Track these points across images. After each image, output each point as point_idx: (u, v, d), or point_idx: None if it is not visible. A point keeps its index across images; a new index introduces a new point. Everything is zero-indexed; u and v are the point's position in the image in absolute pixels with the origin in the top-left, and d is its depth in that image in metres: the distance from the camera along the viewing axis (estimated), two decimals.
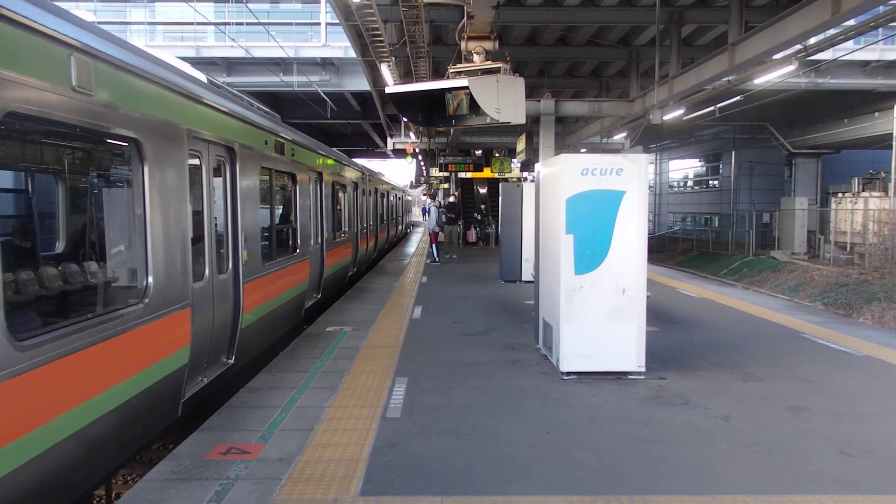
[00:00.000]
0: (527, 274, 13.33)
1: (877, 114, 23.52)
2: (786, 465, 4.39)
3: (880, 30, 15.23)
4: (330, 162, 12.10)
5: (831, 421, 5.27)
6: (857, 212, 21.53)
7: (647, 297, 6.68)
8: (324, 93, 21.70)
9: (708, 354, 7.49)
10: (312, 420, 5.23)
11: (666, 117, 16.17)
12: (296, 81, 21.53)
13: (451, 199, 23.64)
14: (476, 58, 9.21)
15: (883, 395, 5.95)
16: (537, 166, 8.09)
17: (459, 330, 8.91)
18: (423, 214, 38.58)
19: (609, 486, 4.04)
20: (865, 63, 20.59)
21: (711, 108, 21.00)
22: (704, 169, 39.19)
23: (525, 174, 28.51)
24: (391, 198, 26.72)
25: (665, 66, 14.19)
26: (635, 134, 23.57)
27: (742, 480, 4.14)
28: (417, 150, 28.42)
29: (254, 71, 21.80)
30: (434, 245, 19.31)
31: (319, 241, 10.92)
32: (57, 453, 3.60)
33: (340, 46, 21.55)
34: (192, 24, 22.62)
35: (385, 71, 13.09)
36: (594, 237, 6.36)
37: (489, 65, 9.09)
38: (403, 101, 9.53)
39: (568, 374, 6.49)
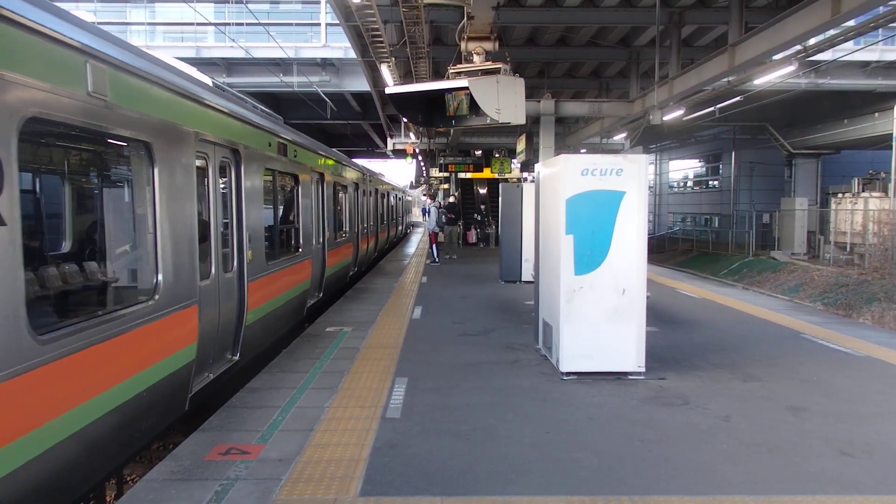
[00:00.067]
0: (527, 274, 13.34)
1: (877, 114, 23.53)
2: (786, 466, 4.39)
3: (880, 30, 15.22)
4: (331, 163, 12.17)
5: (831, 421, 5.27)
6: (856, 212, 21.54)
7: (647, 297, 6.68)
8: (324, 93, 21.71)
9: (708, 355, 7.49)
10: (312, 420, 5.23)
11: (666, 118, 16.18)
12: (296, 82, 21.54)
13: (451, 199, 23.65)
14: (476, 58, 9.22)
15: (883, 396, 5.96)
16: (537, 167, 8.09)
17: (459, 330, 8.91)
18: (423, 215, 38.58)
19: (609, 487, 4.04)
20: (865, 64, 20.60)
21: (711, 108, 21.01)
22: (704, 169, 39.20)
23: (525, 174, 28.50)
24: (391, 198, 26.75)
25: (665, 67, 14.19)
26: (635, 134, 23.57)
27: (742, 480, 4.14)
28: (417, 150, 28.42)
29: (254, 71, 21.81)
30: (434, 245, 19.31)
31: (321, 240, 11.02)
32: (73, 443, 3.75)
33: (340, 47, 21.55)
34: (192, 24, 22.63)
35: (385, 71, 13.10)
36: (594, 237, 6.36)
37: (489, 65, 9.10)
38: (403, 102, 9.53)
39: (568, 374, 6.49)
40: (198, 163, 5.62)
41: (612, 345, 6.44)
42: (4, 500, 3.21)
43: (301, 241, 9.48)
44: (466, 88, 8.64)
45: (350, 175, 14.61)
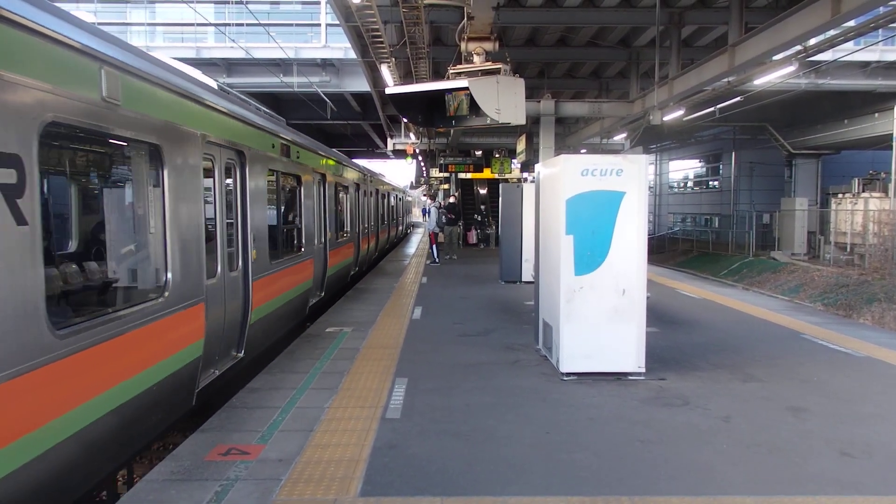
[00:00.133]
0: (527, 275, 13.33)
1: (877, 114, 23.53)
2: (786, 466, 4.39)
3: (880, 31, 15.21)
4: (332, 163, 12.26)
5: (831, 422, 5.27)
6: (857, 212, 21.53)
7: (648, 297, 6.68)
8: (324, 94, 21.71)
9: (708, 355, 7.49)
10: (312, 421, 5.23)
11: (666, 118, 16.18)
12: (296, 82, 21.54)
13: (451, 199, 23.65)
14: (476, 59, 9.21)
15: (883, 396, 5.95)
16: (537, 167, 8.09)
17: (459, 331, 8.91)
18: (423, 215, 38.55)
19: (609, 487, 4.04)
20: (865, 64, 20.60)
21: (711, 108, 21.01)
22: (704, 170, 39.19)
23: (525, 175, 28.49)
24: (391, 199, 26.78)
25: (665, 67, 14.19)
26: (635, 135, 23.57)
27: (742, 481, 4.14)
28: (417, 150, 28.42)
29: (254, 72, 21.80)
30: (434, 246, 19.30)
31: (323, 240, 11.15)
32: (89, 434, 3.91)
33: (340, 47, 21.55)
34: (192, 24, 22.64)
35: (385, 72, 13.10)
36: (594, 238, 6.36)
37: (489, 66, 9.09)
38: (403, 102, 9.52)
39: (568, 374, 6.48)
40: (204, 164, 5.78)
41: (613, 345, 6.43)
42: (30, 485, 3.39)
43: (303, 240, 9.61)
44: (466, 89, 8.63)
45: (351, 176, 14.66)
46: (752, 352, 7.66)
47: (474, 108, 8.80)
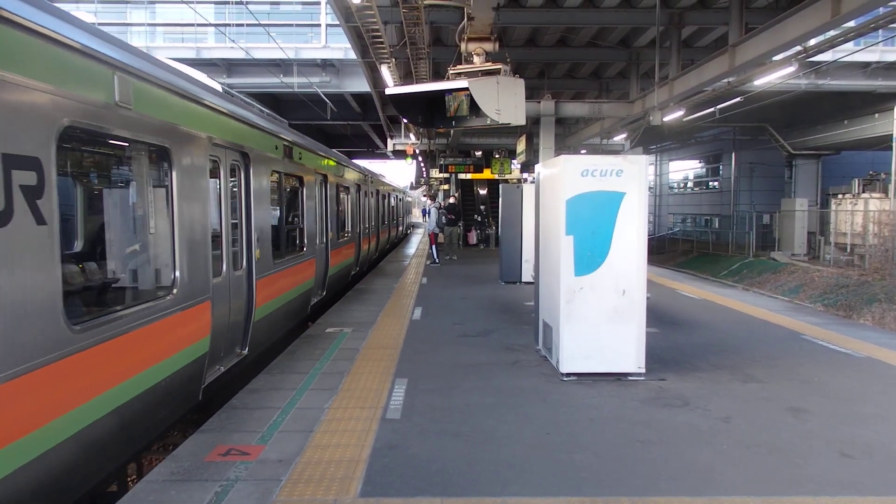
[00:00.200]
0: (527, 275, 13.33)
1: (877, 115, 23.53)
2: (786, 467, 4.39)
3: (880, 31, 15.21)
4: (334, 164, 12.36)
5: (832, 422, 5.27)
6: (857, 213, 21.53)
7: (648, 298, 6.68)
8: (324, 94, 21.70)
9: (708, 356, 7.49)
10: (312, 421, 5.23)
11: (666, 119, 16.19)
12: (296, 83, 21.54)
13: (451, 200, 23.64)
14: (476, 59, 9.21)
15: (883, 397, 5.95)
16: (537, 167, 8.09)
17: (459, 331, 8.91)
18: (423, 216, 38.55)
19: (609, 488, 4.03)
20: (865, 64, 20.61)
21: (711, 109, 21.01)
22: (704, 170, 39.20)
23: (525, 175, 28.50)
24: (392, 199, 26.80)
25: (665, 68, 14.19)
26: (635, 135, 23.59)
27: (742, 482, 4.14)
28: (417, 151, 28.42)
29: (254, 72, 21.81)
30: (434, 246, 19.30)
31: (324, 240, 11.27)
32: (103, 425, 4.05)
33: (340, 48, 21.55)
34: (192, 25, 22.64)
35: (385, 72, 13.10)
36: (594, 238, 6.36)
37: (489, 66, 9.09)
38: (403, 103, 9.52)
39: (568, 375, 6.48)
40: (210, 165, 5.92)
41: (613, 346, 6.43)
42: (52, 471, 3.56)
43: (305, 240, 9.75)
44: (466, 89, 8.63)
45: (352, 176, 14.71)
46: (752, 352, 7.65)
47: (474, 108, 8.80)
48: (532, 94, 17.24)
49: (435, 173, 31.51)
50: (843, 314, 15.55)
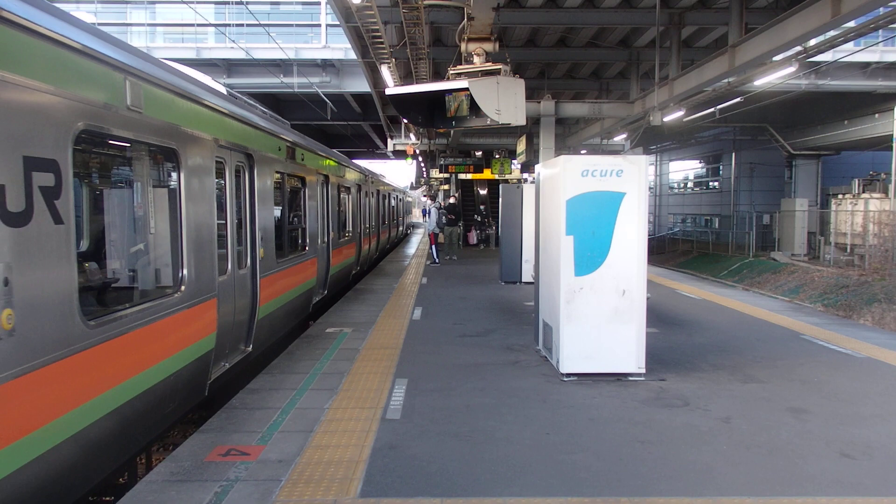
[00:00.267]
0: (527, 275, 13.33)
1: (877, 115, 23.54)
2: (786, 467, 4.39)
3: (880, 31, 15.23)
4: (335, 165, 12.47)
5: (832, 422, 5.27)
6: (857, 213, 21.53)
7: (648, 298, 6.68)
8: (324, 94, 21.70)
9: (708, 356, 7.49)
10: (312, 421, 5.23)
11: (666, 119, 16.17)
12: (296, 83, 21.53)
13: (452, 200, 23.63)
14: (476, 59, 9.20)
15: (883, 397, 5.95)
16: (537, 168, 8.09)
17: (459, 331, 8.91)
18: (423, 216, 38.53)
19: (609, 488, 4.03)
20: (865, 65, 20.61)
21: (712, 109, 21.01)
22: (705, 170, 39.21)
23: (525, 175, 28.51)
24: (392, 199, 26.82)
25: (665, 68, 14.18)
26: (635, 135, 23.59)
27: (742, 482, 4.14)
28: (417, 151, 28.41)
29: (254, 72, 21.81)
30: (434, 246, 19.30)
31: (326, 240, 11.39)
32: (116, 417, 4.20)
33: (341, 48, 21.55)
34: (192, 25, 22.65)
35: (385, 72, 13.10)
36: (594, 238, 6.36)
37: (489, 66, 9.08)
38: (404, 103, 9.52)
39: (568, 375, 6.48)
40: (216, 166, 6.07)
41: (613, 346, 6.43)
42: (70, 459, 3.71)
43: (307, 240, 9.89)
44: (466, 89, 8.62)
45: (352, 177, 14.76)
46: (752, 352, 7.66)
47: (474, 108, 8.79)
48: (532, 94, 17.25)
49: (435, 173, 31.50)
50: (843, 314, 15.56)
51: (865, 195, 21.90)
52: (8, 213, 3.18)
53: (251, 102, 8.45)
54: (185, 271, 5.29)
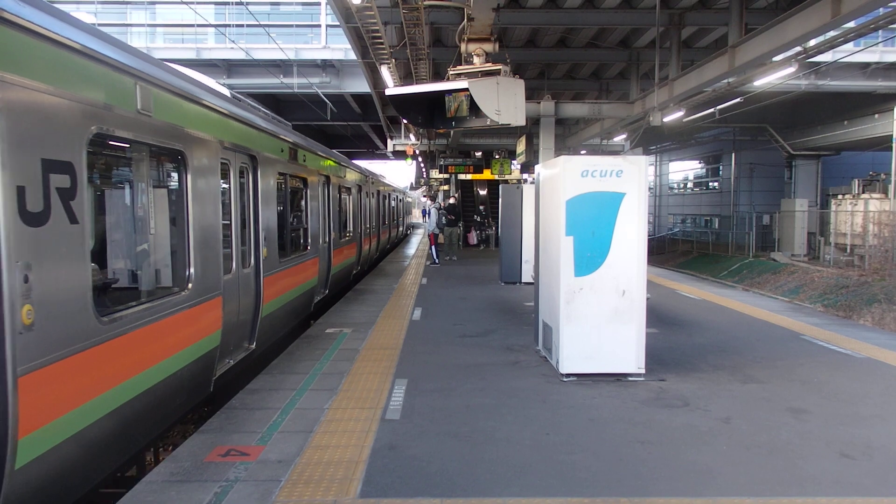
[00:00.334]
0: (527, 275, 13.33)
1: (877, 116, 23.53)
2: (786, 467, 4.39)
3: (880, 32, 15.24)
4: (336, 166, 12.58)
5: (831, 423, 5.27)
6: (857, 213, 21.53)
7: (648, 298, 6.68)
8: (324, 94, 21.71)
9: (708, 356, 7.49)
10: (312, 422, 5.23)
11: (666, 119, 16.17)
12: (296, 83, 21.54)
13: (451, 200, 23.63)
14: (476, 60, 9.21)
15: (883, 398, 5.95)
16: (537, 168, 8.09)
17: (459, 332, 8.91)
18: (423, 216, 38.52)
19: (609, 488, 4.03)
20: (865, 65, 20.61)
21: (711, 109, 21.01)
22: (704, 171, 39.20)
23: (525, 176, 28.51)
24: (392, 200, 26.84)
25: (665, 68, 14.19)
26: (635, 136, 23.60)
27: (742, 482, 4.14)
28: (417, 151, 28.41)
29: (254, 73, 21.81)
30: (434, 247, 19.30)
31: (327, 240, 11.49)
32: (127, 410, 4.32)
33: (341, 48, 21.56)
34: (192, 25, 22.66)
35: (385, 73, 13.11)
36: (594, 239, 6.36)
37: (489, 67, 9.09)
38: (403, 103, 9.52)
39: (568, 375, 6.48)
40: (221, 168, 6.21)
41: (613, 346, 6.43)
42: (84, 450, 3.83)
43: (309, 240, 10.00)
44: (466, 90, 8.63)
45: (353, 177, 14.82)
46: (752, 353, 7.66)
47: (474, 109, 8.80)
48: (532, 94, 17.26)
49: (435, 174, 31.50)
50: (842, 315, 15.56)
51: (865, 195, 21.90)
52: (28, 214, 3.30)
53: (254, 104, 8.55)
54: (191, 270, 5.41)
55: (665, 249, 33.88)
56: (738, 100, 19.60)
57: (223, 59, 21.53)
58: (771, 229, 27.48)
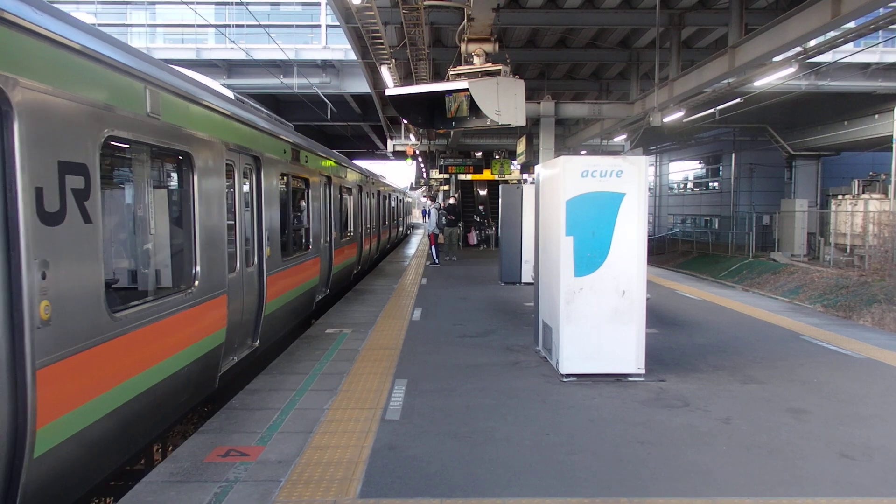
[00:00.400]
0: (527, 276, 13.33)
1: (877, 116, 23.54)
2: (786, 468, 4.38)
3: (880, 32, 15.24)
4: (337, 166, 12.66)
5: (831, 423, 5.27)
6: (856, 214, 21.54)
7: (647, 298, 6.67)
8: (324, 95, 21.70)
9: (708, 356, 7.48)
10: (312, 422, 5.22)
11: (666, 119, 16.18)
12: (296, 83, 21.53)
13: (451, 200, 23.63)
14: (476, 60, 9.21)
15: (883, 398, 5.95)
16: (537, 168, 8.09)
17: (459, 332, 8.91)
18: (423, 216, 38.52)
19: (608, 489, 4.03)
20: (865, 65, 20.61)
21: (711, 110, 21.01)
22: (704, 171, 39.21)
23: (525, 176, 28.50)
24: (392, 200, 26.87)
25: (665, 69, 14.19)
26: (635, 136, 23.61)
27: (742, 482, 4.14)
28: (417, 151, 28.42)
29: (254, 73, 21.81)
30: (434, 247, 19.30)
31: (328, 240, 11.58)
32: (137, 404, 4.43)
33: (341, 48, 21.55)
34: (192, 25, 22.66)
35: (385, 73, 13.11)
36: (594, 239, 6.36)
37: (489, 67, 9.09)
38: (404, 103, 9.52)
39: (568, 376, 6.48)
40: (226, 169, 6.32)
41: (612, 347, 6.43)
42: (92, 442, 3.92)
43: (311, 240, 10.11)
44: (466, 90, 8.63)
45: (353, 178, 14.87)
46: (752, 353, 7.65)
47: (474, 109, 8.80)
48: (532, 94, 17.25)
49: (435, 174, 31.51)
50: (842, 315, 15.56)
51: (865, 196, 21.91)
52: (45, 213, 3.44)
53: (256, 106, 8.61)
54: (197, 268, 5.53)
55: (665, 249, 33.89)
56: (738, 100, 19.60)
57: (223, 60, 21.53)
58: (771, 229, 27.49)
